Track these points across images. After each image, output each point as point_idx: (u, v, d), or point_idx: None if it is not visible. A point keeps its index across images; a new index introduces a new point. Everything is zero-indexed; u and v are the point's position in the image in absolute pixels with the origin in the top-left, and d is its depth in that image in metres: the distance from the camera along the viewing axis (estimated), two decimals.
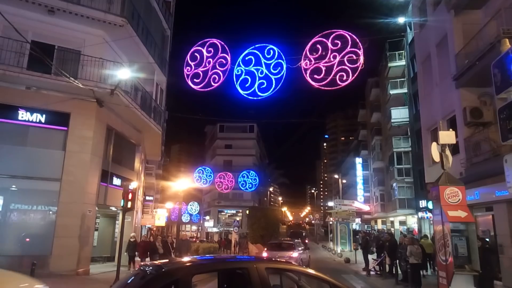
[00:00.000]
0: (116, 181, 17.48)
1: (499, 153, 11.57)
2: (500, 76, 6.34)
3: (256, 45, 10.59)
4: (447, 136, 9.02)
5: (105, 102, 15.25)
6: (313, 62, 9.83)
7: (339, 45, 9.58)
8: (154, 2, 20.25)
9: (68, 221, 13.92)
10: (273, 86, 10.15)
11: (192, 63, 11.20)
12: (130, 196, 15.01)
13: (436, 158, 9.09)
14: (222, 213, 61.27)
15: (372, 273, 18.02)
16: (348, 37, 9.51)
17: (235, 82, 10.60)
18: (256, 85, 10.31)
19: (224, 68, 10.67)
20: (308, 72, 9.81)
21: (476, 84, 14.27)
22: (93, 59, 14.97)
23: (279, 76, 10.14)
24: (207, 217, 59.46)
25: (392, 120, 35.73)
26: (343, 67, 9.46)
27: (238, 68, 10.62)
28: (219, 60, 10.78)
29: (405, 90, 34.99)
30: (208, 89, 10.86)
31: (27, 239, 13.99)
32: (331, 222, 44.00)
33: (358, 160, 51.18)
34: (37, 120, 14.47)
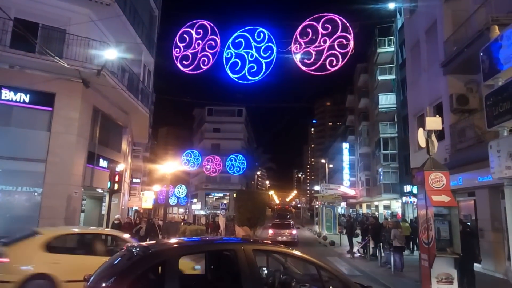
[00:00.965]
0: (103, 163, 17.33)
1: (483, 140, 11.78)
2: (488, 63, 6.40)
3: (246, 28, 10.41)
4: (434, 122, 9.12)
5: (91, 83, 14.97)
6: (303, 46, 9.75)
7: (329, 29, 9.48)
8: None
9: (54, 203, 13.78)
10: (263, 70, 10.04)
11: (181, 45, 10.97)
12: (117, 178, 14.97)
13: (422, 143, 9.21)
14: (210, 196, 61.54)
15: (356, 255, 18.46)
16: (339, 21, 9.42)
17: (225, 65, 10.45)
18: (246, 69, 10.18)
19: (214, 51, 10.49)
20: (298, 56, 9.74)
21: (463, 71, 14.41)
22: (79, 39, 14.60)
23: (269, 60, 10.02)
24: (195, 200, 59.61)
25: (380, 106, 36.02)
26: (333, 51, 9.41)
27: (228, 51, 10.46)
28: (209, 42, 10.58)
29: (393, 76, 35.20)
30: (198, 71, 10.69)
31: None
32: (317, 206, 44.57)
33: (345, 145, 51.59)
34: (21, 100, 14.15)
